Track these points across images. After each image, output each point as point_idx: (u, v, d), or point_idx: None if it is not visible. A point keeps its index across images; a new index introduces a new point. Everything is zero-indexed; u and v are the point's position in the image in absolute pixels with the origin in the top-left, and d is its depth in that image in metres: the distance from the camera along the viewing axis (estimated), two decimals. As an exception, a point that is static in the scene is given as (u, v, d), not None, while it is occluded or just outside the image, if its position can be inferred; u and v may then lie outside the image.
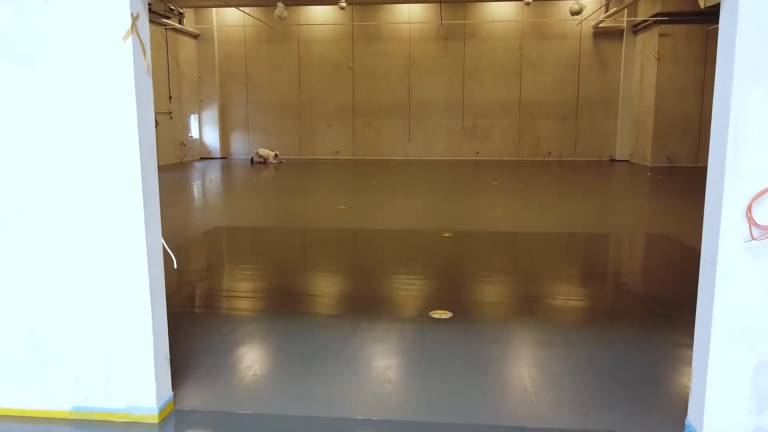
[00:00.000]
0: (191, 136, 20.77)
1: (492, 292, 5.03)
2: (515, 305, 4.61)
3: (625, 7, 17.40)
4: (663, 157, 17.71)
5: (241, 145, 21.56)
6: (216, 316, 4.38)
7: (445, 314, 4.37)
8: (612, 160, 20.08)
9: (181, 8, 17.34)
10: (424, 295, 4.90)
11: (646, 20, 17.69)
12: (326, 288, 5.23)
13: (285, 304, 4.71)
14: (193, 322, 4.22)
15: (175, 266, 2.82)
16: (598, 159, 20.23)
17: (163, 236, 2.80)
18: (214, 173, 16.33)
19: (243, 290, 5.17)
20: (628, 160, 19.66)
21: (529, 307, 4.54)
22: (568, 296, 4.95)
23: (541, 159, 20.35)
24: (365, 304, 4.64)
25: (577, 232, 7.87)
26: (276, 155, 19.58)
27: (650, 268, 6.08)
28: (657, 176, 14.79)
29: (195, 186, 13.45)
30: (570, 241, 7.36)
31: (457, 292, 4.97)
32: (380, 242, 7.24)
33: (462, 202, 10.45)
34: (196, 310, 4.56)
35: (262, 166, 18.26)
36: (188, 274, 5.69)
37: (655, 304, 4.69)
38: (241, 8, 18.30)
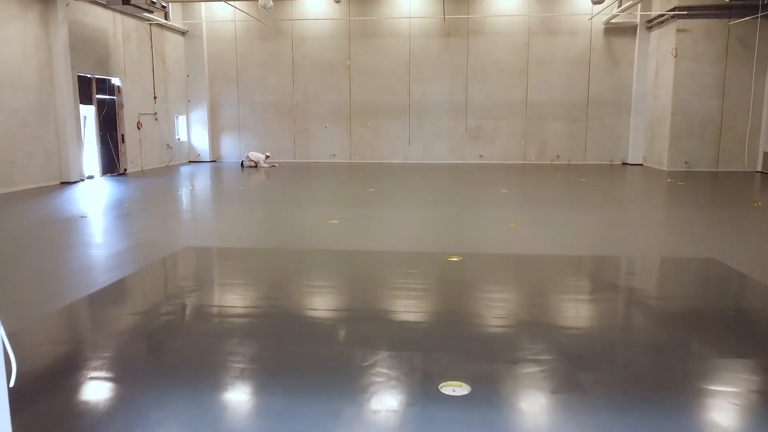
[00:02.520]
0: (178, 139, 19.61)
1: (521, 349, 3.87)
2: (555, 372, 3.47)
3: (639, 1, 16.26)
4: (680, 161, 16.57)
5: (231, 148, 20.40)
6: (144, 393, 3.23)
7: (460, 387, 3.23)
8: (624, 163, 18.94)
9: (165, 2, 16.18)
10: (430, 355, 3.75)
11: (663, 15, 16.55)
12: (300, 345, 4.06)
13: (243, 374, 3.57)
14: (110, 402, 3.06)
15: (12, 383, 1.62)
16: (609, 163, 19.09)
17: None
18: (200, 178, 15.17)
19: (189, 348, 4.02)
20: (642, 164, 18.53)
21: (573, 375, 3.39)
22: (622, 355, 3.80)
23: (549, 162, 19.20)
24: (351, 371, 3.49)
25: (611, 254, 6.72)
26: (267, 156, 18.43)
27: (710, 307, 4.92)
28: (678, 183, 13.65)
29: (174, 194, 12.30)
30: (605, 267, 6.21)
31: (475, 350, 3.82)
32: (373, 270, 6.09)
33: (468, 215, 9.31)
34: (116, 379, 3.41)
35: (252, 171, 17.13)
36: (123, 319, 4.54)
37: (740, 366, 3.55)
38: (230, 3, 17.15)
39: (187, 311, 4.68)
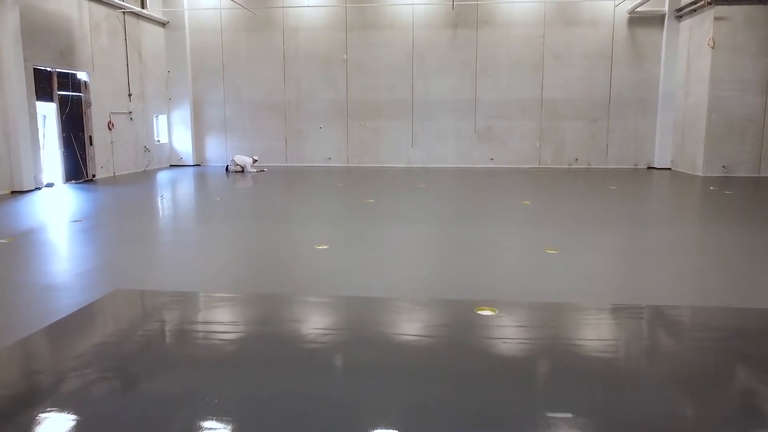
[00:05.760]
0: (158, 141, 17.79)
1: None
2: None
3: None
4: (717, 165, 14.77)
5: (217, 151, 18.58)
6: None
7: None
8: (650, 167, 17.15)
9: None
10: None
11: (697, 1, 14.75)
12: None
13: None
14: None
15: None
16: (633, 167, 17.30)
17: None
18: (175, 186, 13.36)
19: None
20: (670, 168, 16.73)
21: None
22: None
23: (567, 167, 17.41)
24: None
25: (709, 303, 4.90)
26: (254, 161, 16.63)
27: None
28: (724, 191, 11.83)
29: (139, 205, 10.47)
30: (710, 327, 4.41)
31: None
32: (370, 334, 4.27)
33: (490, 237, 7.49)
34: None
35: (238, 177, 15.32)
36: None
37: None
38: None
39: (81, 408, 2.85)
